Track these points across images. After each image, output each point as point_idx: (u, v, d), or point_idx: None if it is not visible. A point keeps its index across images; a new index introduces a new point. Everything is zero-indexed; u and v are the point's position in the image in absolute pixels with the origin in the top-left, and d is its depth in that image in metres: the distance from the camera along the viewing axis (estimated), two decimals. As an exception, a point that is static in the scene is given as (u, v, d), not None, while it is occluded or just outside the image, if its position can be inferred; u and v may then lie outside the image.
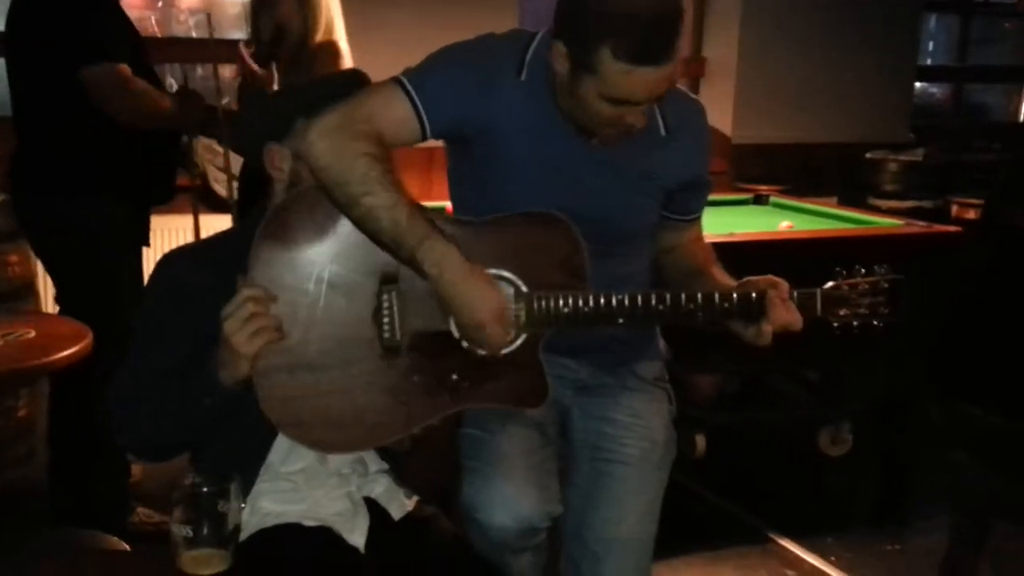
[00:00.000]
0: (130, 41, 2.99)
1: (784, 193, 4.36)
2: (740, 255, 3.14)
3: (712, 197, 2.82)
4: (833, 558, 3.12)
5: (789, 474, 3.85)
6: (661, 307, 1.70)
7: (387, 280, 1.63)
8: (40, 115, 2.96)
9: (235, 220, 3.37)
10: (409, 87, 1.71)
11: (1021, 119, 6.93)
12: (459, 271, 1.60)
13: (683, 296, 1.72)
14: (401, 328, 1.63)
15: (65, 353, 2.51)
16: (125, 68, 2.86)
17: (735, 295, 1.73)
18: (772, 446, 3.99)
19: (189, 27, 4.91)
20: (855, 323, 1.77)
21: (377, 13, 4.39)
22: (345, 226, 1.63)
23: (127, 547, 2.01)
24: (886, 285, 1.77)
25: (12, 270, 3.09)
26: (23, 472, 3.00)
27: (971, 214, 4.87)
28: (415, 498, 1.79)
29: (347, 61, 3.13)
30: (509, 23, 4.44)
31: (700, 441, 3.55)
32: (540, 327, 1.68)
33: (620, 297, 1.68)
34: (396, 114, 1.70)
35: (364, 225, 1.62)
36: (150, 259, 3.33)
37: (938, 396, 3.02)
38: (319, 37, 3.11)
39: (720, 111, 5.15)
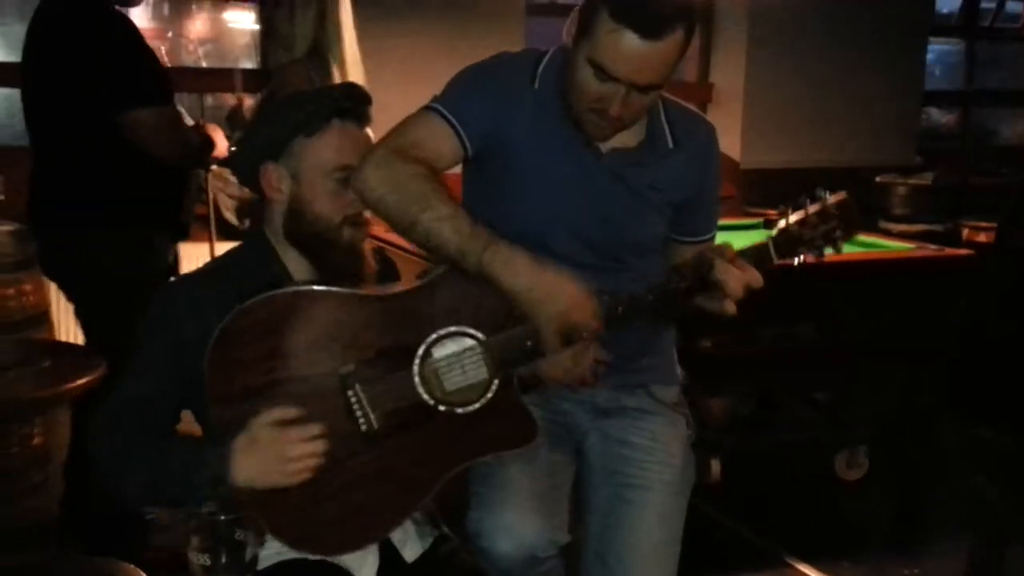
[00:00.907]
0: (164, 78, 2.98)
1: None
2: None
3: (721, 222, 2.83)
4: (849, 583, 3.11)
5: (805, 498, 3.82)
6: (620, 309, 1.68)
7: (346, 374, 1.62)
8: (65, 149, 2.92)
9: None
10: (443, 110, 1.78)
11: (1028, 142, 6.94)
12: (531, 268, 1.62)
13: (640, 291, 1.69)
14: (375, 414, 1.63)
15: (80, 382, 2.52)
16: (171, 111, 2.88)
17: (686, 272, 1.70)
18: (788, 470, 3.97)
19: (199, 57, 4.96)
20: (816, 256, 1.71)
21: (385, 38, 4.41)
22: (295, 333, 1.60)
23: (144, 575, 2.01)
24: (835, 209, 1.70)
25: (27, 299, 3.10)
26: (39, 501, 3.01)
27: (982, 237, 4.87)
28: (433, 535, 1.78)
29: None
30: (516, 43, 4.47)
31: (715, 466, 3.53)
32: (509, 367, 1.68)
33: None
34: (438, 137, 1.77)
35: (428, 241, 1.66)
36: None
37: (955, 420, 3.01)
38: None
39: (728, 136, 5.17)
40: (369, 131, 1.79)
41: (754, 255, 1.69)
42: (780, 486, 3.90)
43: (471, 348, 1.65)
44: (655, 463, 1.95)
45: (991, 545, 2.50)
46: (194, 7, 4.89)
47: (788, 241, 1.70)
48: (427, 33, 4.50)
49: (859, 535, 3.55)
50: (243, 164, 1.79)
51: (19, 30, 3.05)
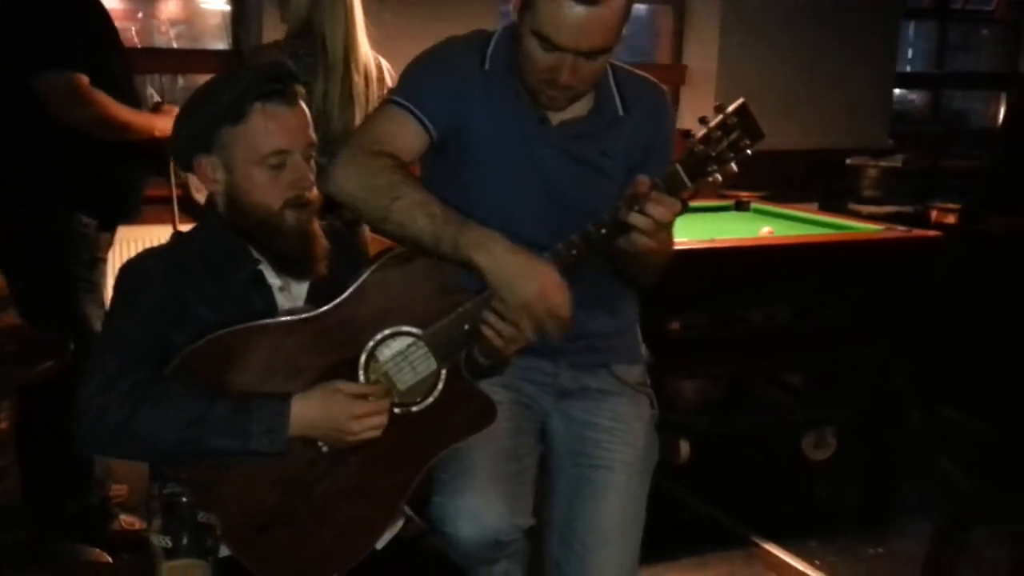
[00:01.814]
0: (105, 48, 2.89)
1: (765, 199, 4.37)
2: (721, 261, 3.17)
3: (693, 203, 2.85)
4: (817, 562, 3.13)
5: (773, 478, 3.86)
6: (574, 252, 1.66)
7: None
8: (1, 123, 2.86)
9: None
10: (402, 101, 1.81)
11: (999, 125, 6.98)
12: (506, 247, 1.63)
13: (562, 245, 1.68)
14: None
15: (45, 366, 2.49)
16: (82, 77, 2.75)
17: (604, 217, 1.68)
18: (756, 451, 4.00)
19: (170, 38, 4.90)
20: (728, 168, 1.67)
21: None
22: (237, 374, 1.59)
23: (109, 558, 2.00)
24: (735, 117, 1.67)
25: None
26: (5, 484, 2.99)
27: (950, 219, 4.90)
28: (401, 521, 1.78)
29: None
30: (491, 22, 4.44)
31: (684, 447, 3.55)
32: (452, 355, 1.69)
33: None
34: (402, 129, 1.79)
35: (403, 232, 1.68)
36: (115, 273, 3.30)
37: (922, 402, 3.04)
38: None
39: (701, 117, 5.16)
40: (304, 107, 1.72)
41: (667, 183, 1.65)
42: (749, 467, 3.93)
43: (413, 344, 1.66)
44: (618, 444, 1.95)
45: (956, 526, 2.53)
46: (164, -14, 4.83)
47: (697, 162, 1.66)
48: (404, 14, 4.46)
49: (827, 515, 3.59)
50: (178, 157, 1.76)
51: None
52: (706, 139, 1.65)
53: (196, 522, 1.30)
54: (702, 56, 5.34)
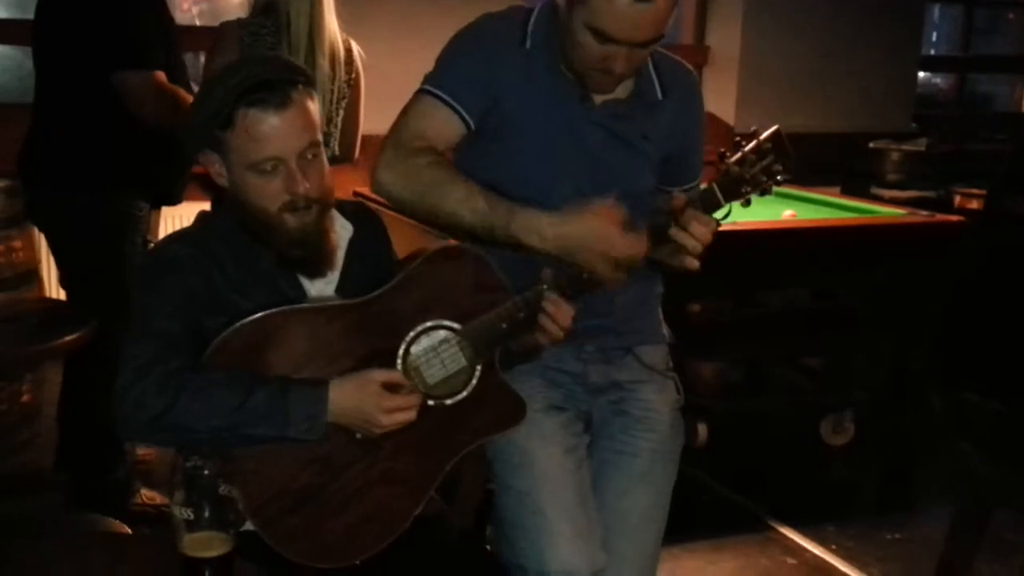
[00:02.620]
0: (168, 38, 2.95)
1: (787, 182, 4.34)
2: (743, 244, 3.15)
3: (715, 185, 2.83)
4: (834, 546, 3.13)
5: (791, 462, 3.85)
6: (585, 276, 1.69)
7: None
8: (64, 109, 2.92)
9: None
10: (435, 90, 1.79)
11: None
12: (555, 223, 1.66)
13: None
14: None
15: (69, 338, 2.52)
16: (161, 75, 2.83)
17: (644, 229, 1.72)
18: (774, 434, 4.00)
19: (193, 16, 4.90)
20: (760, 192, 1.74)
21: (371, 3, 4.36)
22: (274, 358, 1.60)
23: (128, 530, 2.02)
24: (769, 143, 1.72)
25: (17, 255, 3.08)
26: (28, 457, 3.02)
27: (973, 204, 4.87)
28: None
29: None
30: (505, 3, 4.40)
31: (702, 430, 3.55)
32: (489, 352, 1.71)
33: (540, 287, 1.69)
34: (438, 121, 1.77)
35: (453, 226, 1.71)
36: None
37: (941, 385, 3.02)
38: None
39: (723, 100, 5.14)
40: (311, 104, 1.65)
41: (702, 202, 1.71)
42: (767, 451, 3.93)
43: (446, 339, 1.68)
44: (645, 431, 1.96)
45: (975, 510, 2.52)
46: (186, -37, 4.84)
47: (732, 182, 1.71)
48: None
49: (845, 500, 3.58)
50: (189, 148, 1.73)
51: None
52: (741, 161, 1.71)
53: (218, 494, 1.31)
54: (725, 37, 5.30)
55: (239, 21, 2.92)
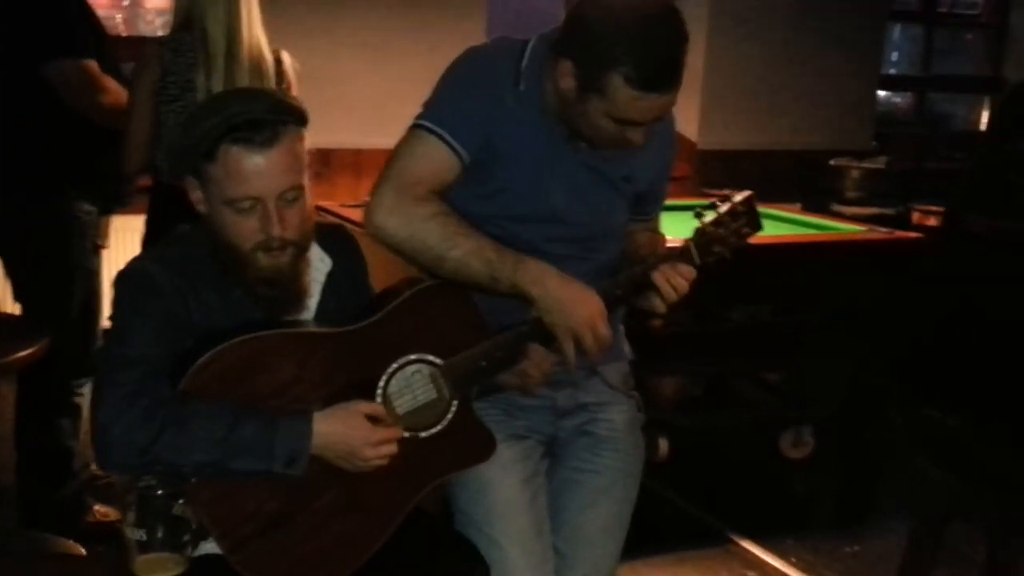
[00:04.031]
0: (97, 38, 2.94)
1: (748, 198, 4.38)
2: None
3: (677, 202, 2.85)
4: (794, 559, 3.15)
5: (751, 476, 3.88)
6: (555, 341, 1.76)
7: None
8: (2, 109, 2.89)
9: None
10: (431, 126, 1.76)
11: (982, 128, 7.02)
12: (559, 280, 1.72)
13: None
14: None
15: (21, 354, 2.47)
16: (93, 64, 2.81)
17: (623, 280, 1.81)
18: (735, 449, 4.02)
19: (156, 27, 4.87)
20: (728, 254, 1.83)
21: (342, 16, 4.37)
22: (255, 381, 1.59)
23: (81, 550, 1.99)
24: (742, 207, 1.82)
25: (-32, 270, 3.04)
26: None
27: (932, 221, 4.91)
28: None
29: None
30: (476, 25, 4.44)
31: (663, 444, 3.56)
32: (467, 387, 1.75)
33: (524, 328, 1.75)
34: (436, 161, 1.75)
35: (458, 275, 1.73)
36: (111, 261, 3.29)
37: (901, 401, 3.05)
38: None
39: (686, 117, 5.17)
40: (299, 144, 1.64)
41: (679, 258, 1.79)
42: (727, 464, 3.95)
43: (426, 373, 1.70)
44: (607, 450, 1.98)
45: (932, 522, 2.54)
46: (149, -25, 4.80)
47: (707, 242, 1.81)
48: (388, 4, 4.44)
49: (803, 513, 3.62)
50: (172, 173, 1.72)
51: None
52: (717, 223, 1.80)
53: (171, 515, 1.29)
54: (690, 55, 5.32)
55: (160, 39, 2.89)
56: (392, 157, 1.77)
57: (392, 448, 1.62)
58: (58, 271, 2.91)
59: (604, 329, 1.74)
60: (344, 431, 1.58)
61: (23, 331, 2.61)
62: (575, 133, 1.78)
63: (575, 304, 1.71)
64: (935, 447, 2.64)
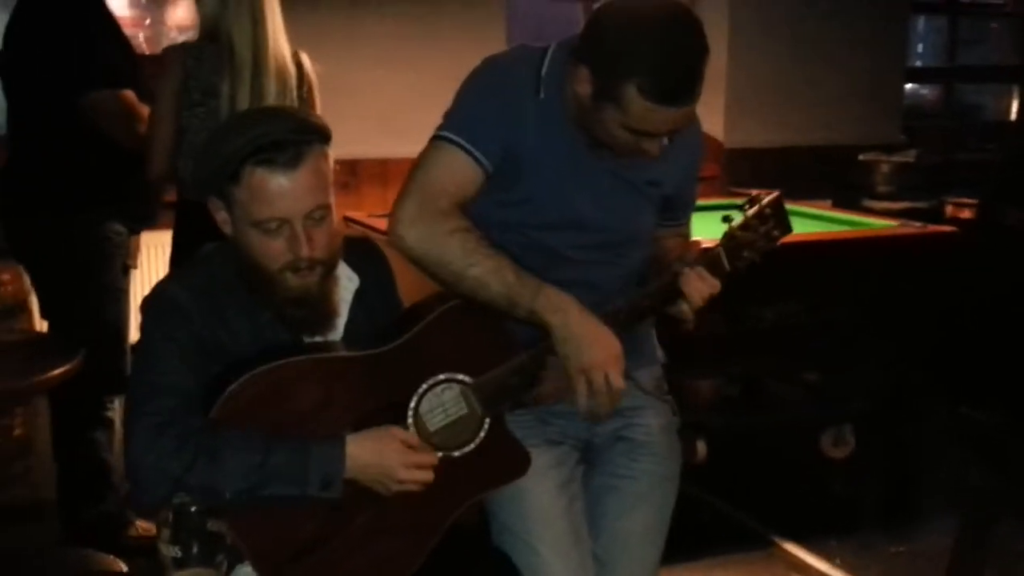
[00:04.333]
0: (131, 60, 2.98)
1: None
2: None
3: (705, 202, 2.82)
4: (838, 561, 3.11)
5: (792, 477, 3.83)
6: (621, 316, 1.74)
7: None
8: (34, 134, 2.94)
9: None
10: (453, 137, 1.74)
11: (1012, 118, 6.93)
12: (580, 314, 1.68)
13: (611, 311, 1.75)
14: None
15: (57, 372, 2.50)
16: (131, 95, 2.85)
17: (651, 291, 1.78)
18: (774, 450, 3.97)
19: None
20: (758, 258, 1.81)
21: (366, 25, 4.38)
22: (287, 407, 1.58)
23: (123, 566, 1.99)
24: (771, 209, 1.79)
25: (4, 288, 3.08)
26: (22, 490, 3.00)
27: (965, 213, 4.86)
28: None
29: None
30: (496, 33, 4.42)
31: (701, 447, 3.52)
32: (499, 406, 1.73)
33: (550, 342, 1.71)
34: (459, 172, 1.73)
35: (476, 294, 1.69)
36: (141, 281, 3.32)
37: (943, 399, 3.01)
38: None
39: (711, 116, 5.14)
40: (324, 163, 1.62)
41: (708, 265, 1.76)
42: (766, 466, 3.90)
43: (457, 392, 1.69)
44: (644, 455, 1.96)
45: (978, 524, 2.50)
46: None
47: (737, 247, 1.78)
48: (411, 13, 4.46)
49: (846, 513, 3.56)
50: (197, 193, 1.70)
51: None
52: (745, 226, 1.77)
53: (206, 531, 1.29)
54: (712, 53, 5.29)
55: (184, 44, 2.90)
56: (414, 168, 1.75)
57: (427, 474, 1.61)
58: (89, 292, 2.93)
59: (618, 377, 1.69)
60: (378, 454, 1.57)
61: (55, 350, 2.63)
62: (594, 140, 1.75)
63: (593, 343, 1.67)
64: (978, 444, 2.60)
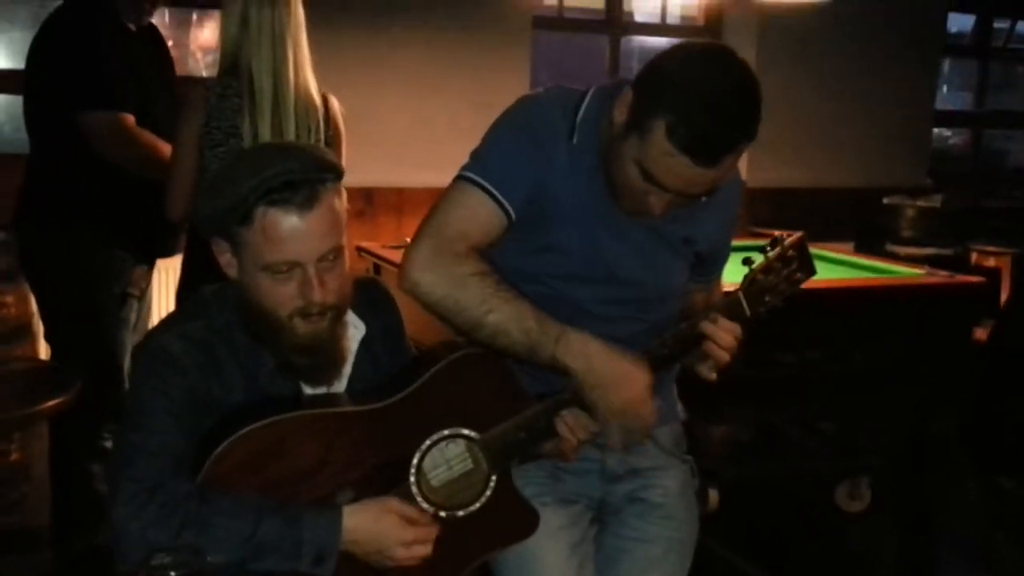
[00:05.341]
0: (152, 88, 2.95)
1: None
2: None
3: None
4: (851, 620, 3.01)
5: (805, 529, 3.73)
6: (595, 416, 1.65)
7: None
8: (44, 150, 2.97)
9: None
10: (477, 179, 1.67)
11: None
12: (603, 355, 1.60)
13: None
14: None
15: (56, 400, 2.49)
16: (127, 117, 2.82)
17: (670, 340, 1.70)
18: (788, 500, 3.88)
19: (203, 65, 4.90)
20: (780, 303, 1.72)
21: (386, 55, 4.36)
22: (282, 465, 1.51)
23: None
24: (793, 251, 1.71)
25: (8, 311, 3.07)
26: (17, 517, 2.97)
27: (991, 262, 4.78)
28: None
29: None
30: (518, 64, 4.42)
31: (713, 495, 3.44)
32: (507, 462, 1.65)
33: (565, 395, 1.64)
34: (482, 216, 1.66)
35: (494, 342, 1.62)
36: (158, 309, 3.27)
37: (968, 460, 2.91)
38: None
39: (735, 154, 5.08)
40: (338, 202, 1.55)
41: (727, 312, 1.69)
42: (780, 516, 3.81)
43: (454, 443, 1.61)
44: (661, 518, 1.89)
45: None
46: (195, 15, 4.84)
47: (758, 291, 1.70)
48: (432, 43, 4.44)
49: (862, 569, 3.46)
50: (202, 232, 1.61)
51: (22, 37, 3.10)
52: (767, 269, 1.70)
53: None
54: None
55: (205, 82, 2.86)
56: (434, 209, 1.68)
57: (426, 548, 1.54)
58: (80, 311, 2.92)
59: (649, 412, 1.63)
60: (376, 528, 1.50)
61: (54, 378, 2.62)
62: (607, 178, 1.66)
63: (620, 385, 1.60)
64: (1010, 519, 2.51)
